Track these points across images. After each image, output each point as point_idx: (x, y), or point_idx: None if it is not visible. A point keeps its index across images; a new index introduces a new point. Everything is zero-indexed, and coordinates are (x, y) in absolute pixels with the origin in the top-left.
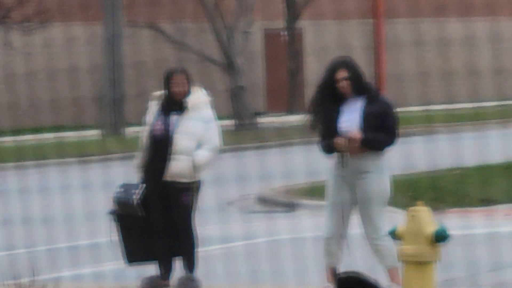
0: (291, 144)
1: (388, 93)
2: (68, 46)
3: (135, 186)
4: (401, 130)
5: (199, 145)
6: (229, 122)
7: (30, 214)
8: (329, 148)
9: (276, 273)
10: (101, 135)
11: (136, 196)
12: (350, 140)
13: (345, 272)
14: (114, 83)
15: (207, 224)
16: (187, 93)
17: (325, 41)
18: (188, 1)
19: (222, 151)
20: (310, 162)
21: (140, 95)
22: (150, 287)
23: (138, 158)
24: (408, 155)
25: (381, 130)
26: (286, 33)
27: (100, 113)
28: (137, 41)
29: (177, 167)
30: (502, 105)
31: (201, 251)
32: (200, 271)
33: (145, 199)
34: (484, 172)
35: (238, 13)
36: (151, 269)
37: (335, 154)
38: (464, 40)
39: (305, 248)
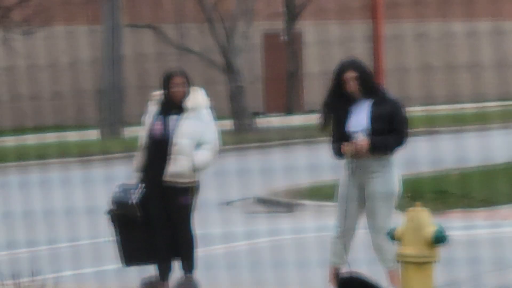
0: (290, 145)
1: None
2: (69, 47)
3: (134, 187)
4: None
5: (198, 146)
6: (228, 123)
7: (31, 213)
8: (338, 152)
9: (275, 274)
10: (100, 135)
11: (134, 196)
12: (357, 147)
13: (347, 273)
14: (114, 84)
15: (206, 224)
16: (186, 94)
17: (324, 43)
18: (188, 3)
19: (221, 151)
20: (310, 163)
21: (140, 95)
22: None
23: (137, 159)
24: (409, 155)
25: (389, 131)
26: (285, 34)
27: (99, 114)
28: (138, 42)
29: (176, 168)
30: (505, 105)
31: (201, 252)
32: (199, 272)
33: (144, 199)
34: (486, 173)
35: (238, 15)
36: (151, 270)
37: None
38: (467, 37)
39: (305, 249)
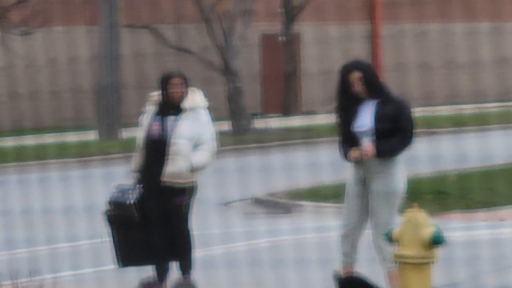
0: (288, 146)
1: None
2: (67, 47)
3: (131, 188)
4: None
5: (195, 147)
6: (225, 124)
7: (30, 213)
8: (346, 156)
9: (274, 275)
10: (98, 137)
11: (132, 197)
12: (363, 154)
13: (347, 274)
14: (111, 85)
15: (204, 225)
16: (184, 95)
17: (322, 43)
18: (186, 3)
19: (219, 152)
20: (309, 164)
21: (138, 95)
22: None
23: (135, 159)
24: (408, 156)
25: (394, 131)
26: (283, 35)
27: (97, 114)
28: (136, 43)
29: (174, 168)
30: (504, 105)
31: (198, 253)
32: (196, 273)
33: (141, 200)
34: (486, 174)
35: (235, 15)
36: (149, 271)
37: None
38: (467, 37)
39: (304, 250)
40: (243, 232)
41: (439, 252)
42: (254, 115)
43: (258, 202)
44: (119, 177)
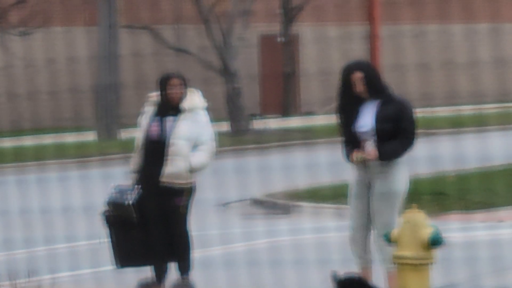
0: (287, 146)
1: None
2: (66, 48)
3: (130, 188)
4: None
5: (194, 147)
6: (224, 125)
7: (28, 214)
8: (349, 157)
9: (273, 275)
10: (97, 137)
11: (131, 197)
12: (366, 157)
13: (345, 275)
14: (110, 85)
15: (203, 226)
16: (183, 96)
17: (321, 45)
18: (185, 4)
19: (218, 153)
20: (307, 164)
21: (137, 96)
22: None
23: (134, 160)
24: (407, 157)
25: (396, 131)
26: (282, 36)
27: (96, 115)
28: (135, 44)
29: (173, 170)
30: (503, 107)
31: (197, 253)
32: (195, 273)
33: (140, 201)
34: (484, 175)
35: (234, 16)
36: (147, 271)
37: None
38: (465, 38)
39: (303, 250)
40: (242, 232)
41: (437, 253)
42: (253, 116)
43: (257, 202)
44: (118, 177)
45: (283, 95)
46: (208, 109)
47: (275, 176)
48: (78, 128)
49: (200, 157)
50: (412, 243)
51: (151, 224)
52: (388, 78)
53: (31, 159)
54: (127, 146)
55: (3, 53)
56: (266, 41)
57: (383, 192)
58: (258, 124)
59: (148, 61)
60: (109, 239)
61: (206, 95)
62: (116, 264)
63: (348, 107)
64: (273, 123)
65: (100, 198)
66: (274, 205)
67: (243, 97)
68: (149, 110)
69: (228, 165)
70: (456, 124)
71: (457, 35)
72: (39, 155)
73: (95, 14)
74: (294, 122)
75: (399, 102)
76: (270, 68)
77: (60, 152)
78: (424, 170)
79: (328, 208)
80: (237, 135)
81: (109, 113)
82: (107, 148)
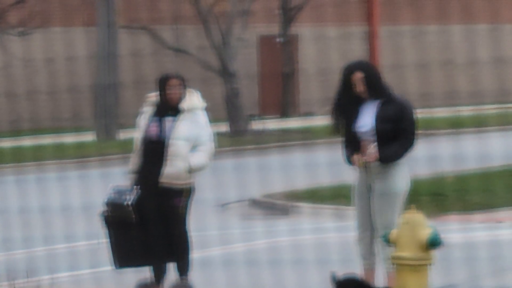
0: (286, 147)
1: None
2: (65, 49)
3: (129, 190)
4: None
5: (193, 148)
6: (223, 126)
7: (27, 214)
8: (350, 160)
9: (272, 276)
10: (95, 137)
11: (129, 198)
12: (367, 160)
13: (344, 275)
14: (109, 86)
15: (202, 227)
16: (182, 97)
17: (320, 45)
18: (184, 5)
19: (217, 154)
20: (306, 165)
21: (137, 96)
22: None
23: (133, 161)
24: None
25: (396, 131)
26: (280, 38)
27: (95, 116)
28: (135, 44)
29: (172, 171)
30: (503, 107)
31: (196, 254)
32: (194, 274)
33: (139, 202)
34: (484, 176)
35: (233, 16)
36: (146, 272)
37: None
38: (466, 48)
39: (302, 251)
40: (241, 233)
41: (437, 253)
42: (252, 117)
43: (256, 203)
44: (117, 178)
45: (282, 95)
46: (207, 109)
47: (274, 177)
48: (77, 128)
49: (199, 158)
50: (410, 244)
51: (150, 225)
52: (388, 78)
53: (30, 159)
54: (126, 147)
55: (2, 54)
56: (265, 41)
57: (384, 192)
58: (257, 124)
59: (147, 61)
60: (108, 240)
61: (205, 96)
62: (115, 264)
63: (348, 107)
64: (272, 123)
65: (99, 198)
66: (273, 206)
67: (242, 97)
68: (148, 110)
69: (227, 166)
70: (456, 125)
71: (457, 35)
72: (38, 155)
73: (94, 14)
74: (293, 122)
75: (400, 102)
76: (269, 69)
77: (59, 152)
78: (423, 171)
79: (327, 208)
80: (236, 136)
81: (108, 113)
82: (106, 148)
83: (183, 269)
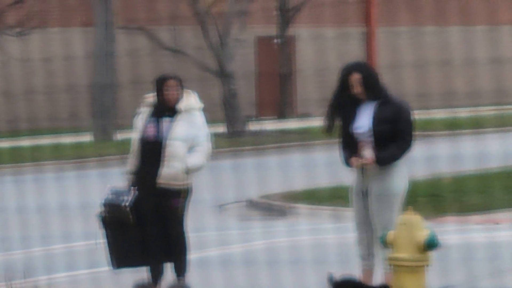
0: (284, 148)
1: None
2: (63, 49)
3: (126, 191)
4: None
5: (190, 149)
6: (221, 126)
7: (25, 214)
8: (347, 162)
9: (269, 277)
10: (93, 138)
11: (127, 200)
12: (364, 164)
13: (341, 276)
14: (106, 86)
15: (199, 228)
16: (179, 98)
17: (318, 46)
18: (182, 6)
19: (214, 154)
20: (304, 166)
21: (135, 97)
22: None
23: (130, 162)
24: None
25: (393, 133)
26: (277, 40)
27: (92, 116)
28: (133, 44)
29: (170, 171)
30: (501, 109)
31: (193, 255)
32: (191, 275)
33: (136, 202)
34: (481, 178)
35: (231, 18)
36: (144, 273)
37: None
38: (464, 49)
39: (299, 252)
40: (239, 234)
41: (434, 255)
42: (249, 118)
43: (253, 204)
44: (114, 178)
45: (279, 96)
46: (204, 110)
47: (272, 178)
48: (74, 129)
49: (196, 158)
50: (408, 245)
51: (147, 225)
52: (385, 78)
53: (28, 160)
54: (123, 147)
55: (0, 54)
56: (263, 42)
57: (382, 193)
58: (254, 125)
59: (145, 62)
60: (105, 240)
61: (202, 97)
62: (112, 265)
63: (346, 108)
64: (269, 125)
65: (96, 199)
66: (271, 207)
67: (239, 98)
68: (145, 111)
69: (224, 167)
70: (453, 126)
71: (455, 36)
72: (35, 156)
73: (91, 15)
74: (291, 123)
75: (397, 103)
76: (267, 70)
77: (57, 153)
78: (421, 172)
79: (325, 209)
80: (233, 137)
81: (105, 114)
82: (104, 149)
83: (180, 270)
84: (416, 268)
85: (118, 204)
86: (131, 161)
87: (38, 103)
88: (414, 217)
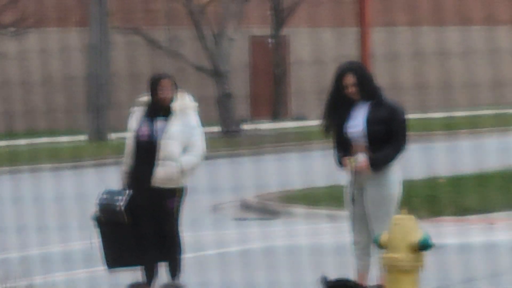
0: (278, 150)
1: None
2: (60, 49)
3: (120, 192)
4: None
5: (185, 150)
6: (215, 128)
7: (22, 216)
8: (340, 163)
9: (265, 278)
10: (88, 141)
11: (121, 202)
12: (358, 168)
13: (336, 279)
14: (101, 88)
15: (194, 229)
16: (173, 98)
17: (311, 48)
18: (176, 8)
19: (209, 156)
20: (300, 168)
21: (129, 97)
22: None
23: (125, 163)
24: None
25: (387, 134)
26: (272, 40)
27: (87, 119)
28: (130, 46)
29: (164, 173)
30: (499, 113)
31: (188, 256)
32: (186, 276)
33: (131, 205)
34: (479, 180)
35: (225, 20)
36: (138, 274)
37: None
38: (462, 49)
39: (294, 253)
40: (234, 235)
41: (431, 256)
42: (244, 120)
43: (249, 205)
44: (109, 179)
45: (274, 97)
46: (199, 111)
47: (267, 178)
48: (71, 130)
49: (190, 160)
50: (402, 246)
51: (142, 225)
52: (381, 78)
53: (24, 160)
54: (118, 148)
55: None
56: (256, 43)
57: (377, 196)
58: (249, 126)
59: (140, 62)
60: (100, 241)
61: (197, 97)
62: (107, 265)
63: (340, 109)
64: (263, 126)
65: (92, 200)
66: (267, 208)
67: (233, 99)
68: (139, 111)
69: (219, 167)
70: (450, 127)
71: (452, 37)
72: (32, 157)
73: (87, 15)
74: (285, 124)
75: (391, 104)
76: (261, 71)
77: (53, 154)
78: (417, 173)
79: (320, 210)
80: (228, 137)
81: (100, 115)
82: (99, 150)
83: (174, 270)
84: (410, 269)
85: (112, 205)
86: (126, 162)
87: (34, 103)
88: (408, 218)
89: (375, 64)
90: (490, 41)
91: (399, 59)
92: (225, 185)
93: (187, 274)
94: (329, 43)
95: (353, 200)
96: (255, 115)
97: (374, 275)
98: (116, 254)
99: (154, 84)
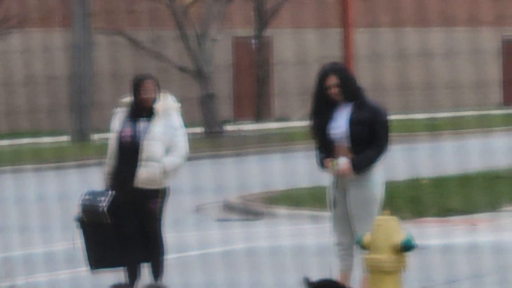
0: (262, 151)
1: None
2: (43, 50)
3: (103, 193)
4: None
5: (167, 151)
6: (198, 129)
7: (5, 216)
8: (322, 164)
9: (248, 279)
10: (70, 141)
11: (103, 203)
12: (340, 172)
13: (318, 280)
14: (84, 89)
15: (177, 230)
16: (155, 99)
17: (295, 49)
18: (159, 9)
19: (190, 157)
20: (282, 169)
21: (112, 98)
22: None
23: (107, 165)
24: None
25: (369, 135)
26: (255, 41)
27: (70, 119)
28: (110, 47)
29: (147, 173)
30: (482, 114)
31: (171, 257)
32: (169, 277)
33: (113, 206)
34: (462, 181)
35: (208, 21)
36: (121, 275)
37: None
38: (445, 50)
39: (277, 255)
40: (217, 236)
41: (414, 257)
42: (227, 121)
43: (231, 206)
44: (92, 180)
45: (257, 99)
46: (181, 112)
47: (250, 180)
48: (54, 131)
49: (173, 161)
50: (384, 248)
51: (125, 226)
52: (364, 78)
53: (7, 161)
54: (101, 149)
55: None
56: (239, 44)
57: (360, 197)
58: (232, 127)
59: (123, 63)
60: (83, 241)
61: (180, 98)
62: (90, 265)
63: (323, 110)
64: (246, 128)
65: (74, 201)
66: (250, 209)
67: (216, 100)
68: (122, 112)
69: (202, 169)
70: (434, 128)
71: (435, 38)
72: (15, 157)
73: (70, 16)
74: (268, 125)
75: (373, 106)
76: (245, 72)
77: (35, 156)
78: (400, 174)
79: (303, 211)
80: (211, 138)
81: (83, 115)
82: (81, 151)
83: (157, 271)
84: (393, 270)
85: (95, 207)
86: (109, 162)
87: (17, 103)
88: (391, 219)
89: (358, 65)
90: (473, 42)
91: (382, 60)
92: (208, 186)
93: (170, 275)
94: (312, 44)
95: (335, 201)
96: (238, 116)
97: (357, 276)
98: (99, 255)
99: (137, 85)
